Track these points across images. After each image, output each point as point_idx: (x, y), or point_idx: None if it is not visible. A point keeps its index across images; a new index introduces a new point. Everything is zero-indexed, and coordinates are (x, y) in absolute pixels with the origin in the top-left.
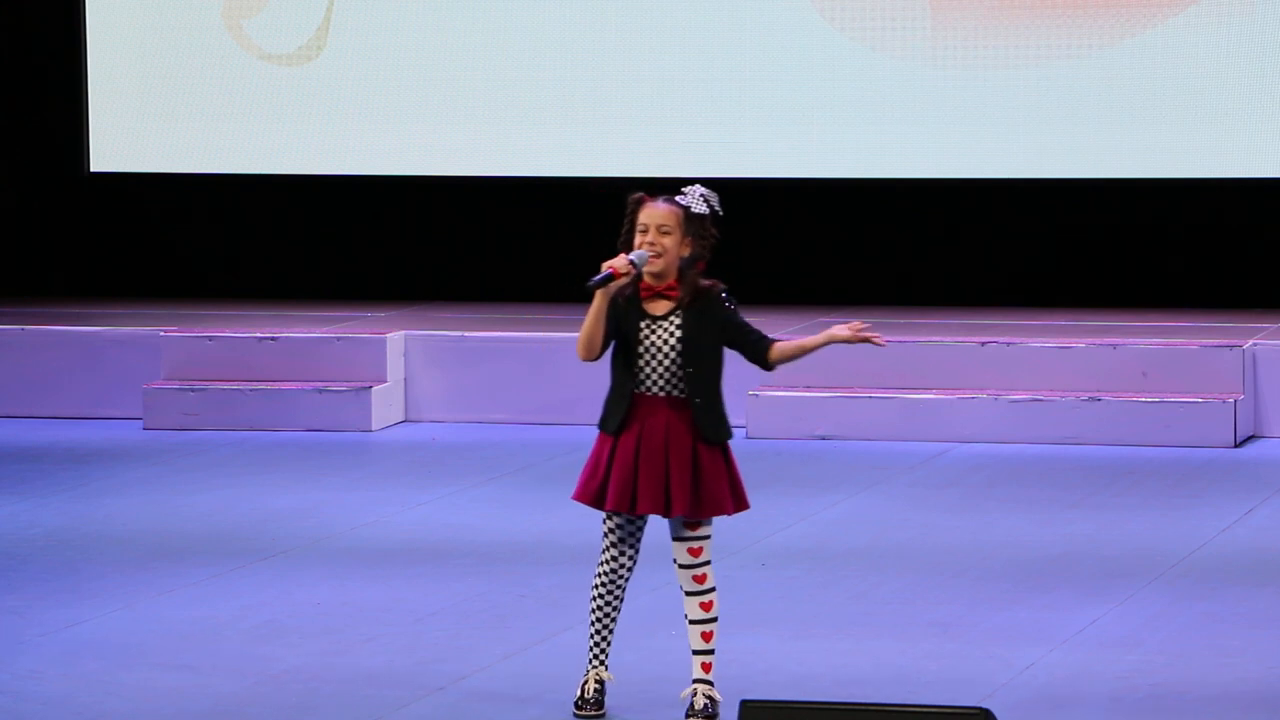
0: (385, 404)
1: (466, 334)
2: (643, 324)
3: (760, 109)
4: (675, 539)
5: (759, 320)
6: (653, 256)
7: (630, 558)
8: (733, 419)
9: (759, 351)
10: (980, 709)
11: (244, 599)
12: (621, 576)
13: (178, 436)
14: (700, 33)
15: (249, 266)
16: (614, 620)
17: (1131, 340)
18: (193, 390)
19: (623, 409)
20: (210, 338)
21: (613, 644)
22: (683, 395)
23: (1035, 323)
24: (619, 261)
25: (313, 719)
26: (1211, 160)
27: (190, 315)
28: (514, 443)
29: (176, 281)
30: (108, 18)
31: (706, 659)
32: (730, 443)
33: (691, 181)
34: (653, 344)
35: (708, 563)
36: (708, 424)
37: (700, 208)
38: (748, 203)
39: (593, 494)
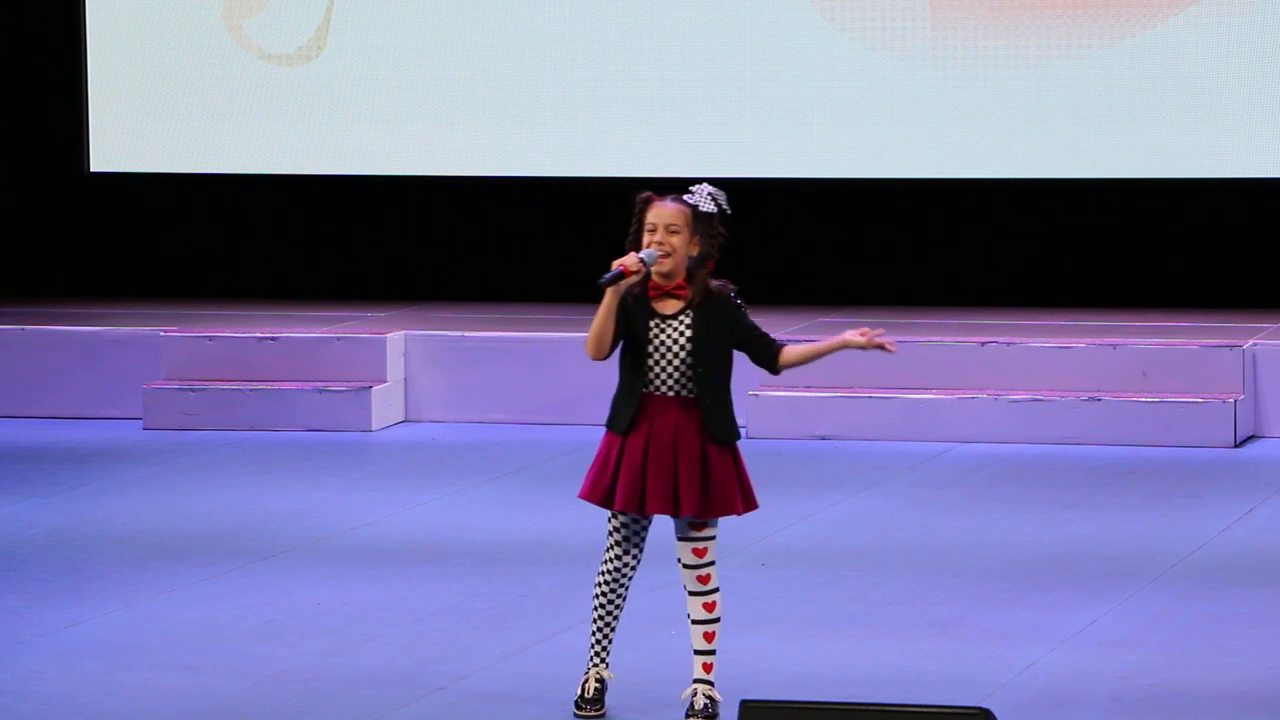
0: (385, 404)
1: (466, 334)
2: (652, 323)
3: (760, 109)
4: (681, 539)
5: (759, 320)
6: (662, 256)
7: (635, 557)
8: None
9: (769, 355)
10: (980, 709)
11: (244, 599)
12: (625, 576)
13: (178, 436)
14: (700, 33)
15: (249, 266)
16: (616, 619)
17: (1131, 340)
18: (193, 390)
19: (632, 408)
20: (210, 338)
21: (613, 643)
22: (692, 395)
23: (1035, 323)
24: (630, 259)
25: (313, 719)
26: (1211, 160)
27: (190, 315)
28: (514, 443)
29: (176, 281)
30: (108, 18)
31: (708, 659)
32: (738, 443)
33: (692, 181)
34: (662, 343)
35: (712, 563)
36: (717, 424)
37: (708, 206)
38: (748, 203)
39: (601, 493)
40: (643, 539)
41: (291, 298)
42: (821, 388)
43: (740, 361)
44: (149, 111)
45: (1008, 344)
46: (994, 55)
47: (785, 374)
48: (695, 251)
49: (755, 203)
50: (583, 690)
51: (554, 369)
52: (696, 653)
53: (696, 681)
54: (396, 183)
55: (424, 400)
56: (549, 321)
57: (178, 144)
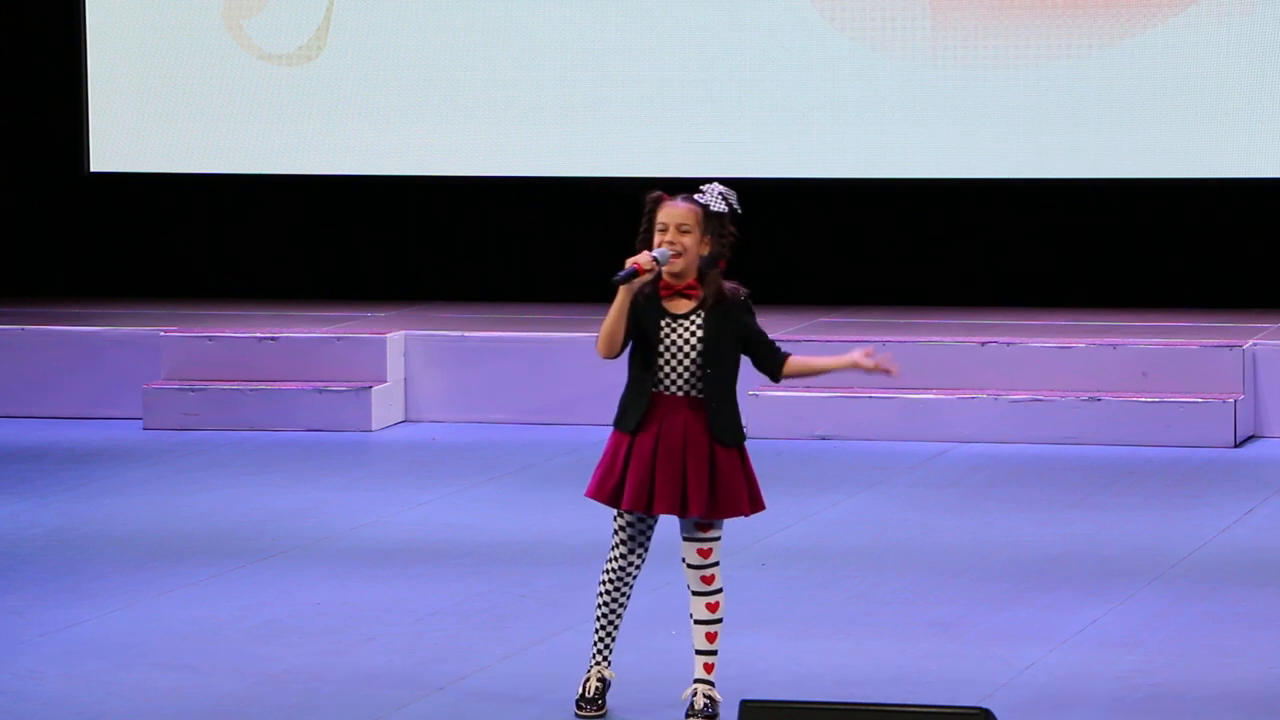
0: (385, 404)
1: (466, 334)
2: (663, 322)
3: (760, 109)
4: (686, 539)
5: (760, 319)
6: (673, 255)
7: (640, 557)
8: None
9: (773, 363)
10: (980, 709)
11: (244, 599)
12: (630, 575)
13: (178, 436)
14: (700, 33)
15: (249, 266)
16: (619, 619)
17: (1131, 340)
18: (193, 390)
19: (641, 408)
20: (210, 338)
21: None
22: (701, 396)
23: (1035, 323)
24: (643, 258)
25: (313, 719)
26: (1211, 160)
27: (190, 315)
28: (514, 443)
29: (176, 281)
30: (108, 18)
31: (709, 659)
32: (746, 444)
33: (692, 180)
34: (673, 343)
35: (716, 564)
36: (723, 426)
37: (719, 206)
38: (748, 203)
39: (608, 493)
40: (648, 538)
41: (291, 298)
42: (821, 388)
43: (742, 363)
44: (149, 111)
45: (1008, 344)
46: (994, 55)
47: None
48: (706, 251)
49: (755, 203)
50: (584, 689)
51: (554, 369)
52: (698, 653)
53: (697, 681)
54: (396, 183)
55: (424, 400)
56: (549, 321)
57: (178, 144)
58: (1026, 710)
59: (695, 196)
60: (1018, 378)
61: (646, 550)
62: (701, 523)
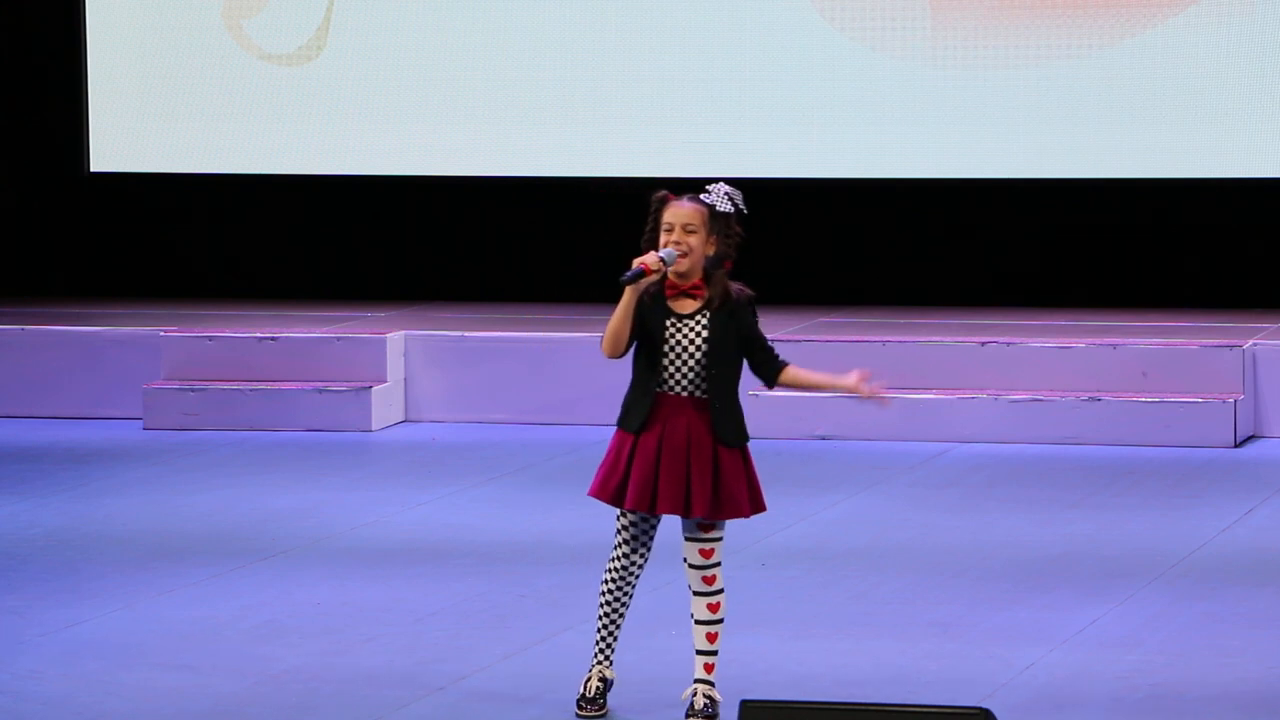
0: (385, 404)
1: (466, 334)
2: (668, 322)
3: (760, 109)
4: (688, 539)
5: (761, 319)
6: (679, 256)
7: (642, 556)
8: None
9: (770, 369)
10: (980, 709)
11: (244, 599)
12: (632, 575)
13: (178, 436)
14: (700, 33)
15: (249, 266)
16: (621, 618)
17: (1131, 340)
18: (193, 390)
19: (645, 408)
20: (210, 338)
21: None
22: (705, 396)
23: (1035, 323)
24: (650, 258)
25: (313, 719)
26: (1211, 160)
27: (190, 315)
28: (514, 443)
29: (176, 281)
30: (108, 18)
31: (709, 659)
32: (749, 445)
33: (692, 181)
34: (678, 343)
35: (718, 564)
36: (726, 427)
37: (725, 206)
38: (748, 203)
39: (611, 492)
40: (651, 538)
41: (291, 298)
42: None
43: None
44: (149, 111)
45: (1008, 344)
46: (994, 55)
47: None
48: (712, 251)
49: (755, 203)
50: (585, 689)
51: (554, 369)
52: (698, 653)
53: (697, 681)
54: (396, 183)
55: (424, 400)
56: (549, 321)
57: (178, 144)
58: (1026, 710)
59: (701, 196)
60: (1018, 378)
61: (649, 550)
62: (703, 523)
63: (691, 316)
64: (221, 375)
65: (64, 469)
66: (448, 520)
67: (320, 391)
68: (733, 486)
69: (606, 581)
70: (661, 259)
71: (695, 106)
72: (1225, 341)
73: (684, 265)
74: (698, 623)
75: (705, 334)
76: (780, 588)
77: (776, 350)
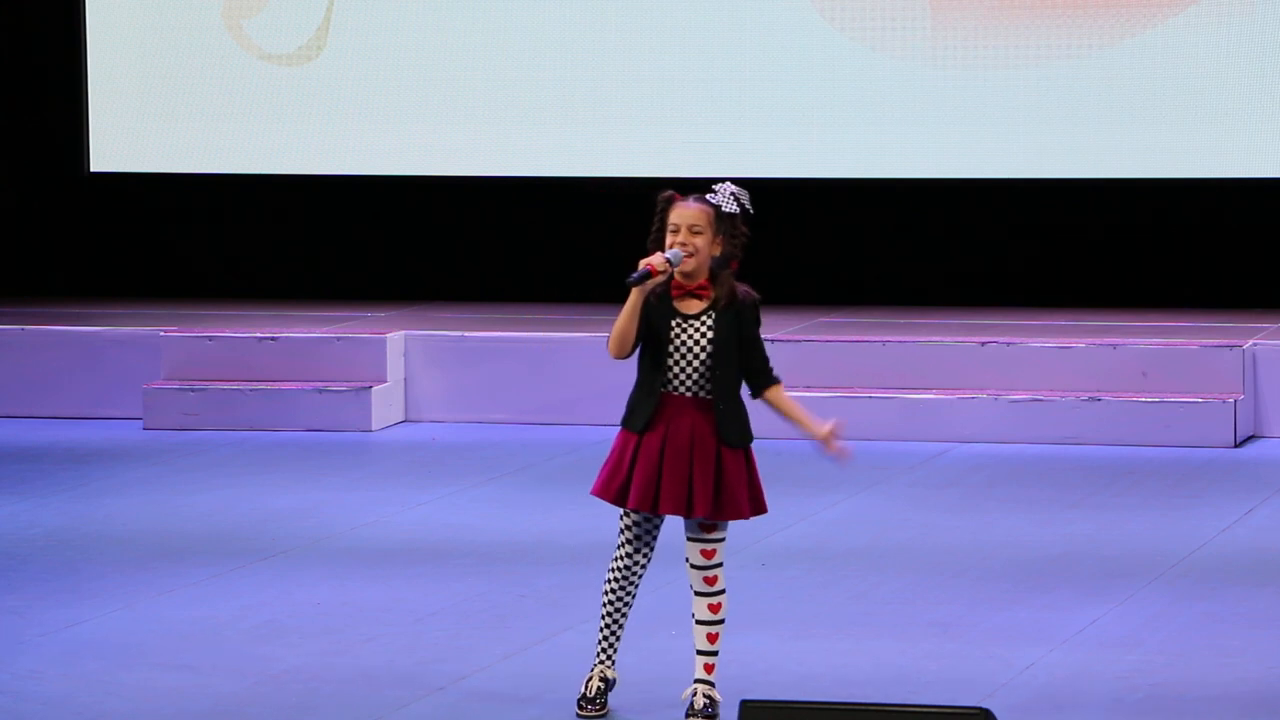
0: (385, 404)
1: (466, 334)
2: (674, 323)
3: (760, 109)
4: (690, 539)
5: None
6: (686, 256)
7: (645, 556)
8: None
9: (759, 380)
10: (980, 709)
11: (244, 599)
12: (635, 575)
13: (178, 436)
14: (700, 33)
15: (249, 266)
16: (624, 618)
17: (1131, 340)
18: (193, 390)
19: (650, 408)
20: (210, 338)
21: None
22: (709, 396)
23: (1035, 323)
24: (657, 259)
25: (313, 719)
26: (1211, 160)
27: (190, 315)
28: (514, 443)
29: (176, 281)
30: (108, 18)
31: (710, 660)
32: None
33: (692, 181)
34: (683, 343)
35: (720, 565)
36: (730, 428)
37: (731, 206)
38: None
39: (615, 492)
40: (654, 538)
41: (291, 298)
42: (821, 388)
43: None
44: (149, 111)
45: (1008, 344)
46: (994, 55)
47: (786, 375)
48: (718, 252)
49: (755, 203)
50: (586, 688)
51: (554, 369)
52: (699, 653)
53: (697, 681)
54: (396, 183)
55: (424, 400)
56: (549, 321)
57: (178, 144)
58: (1026, 710)
59: (707, 197)
60: (1018, 378)
61: (652, 550)
62: (705, 523)
63: (697, 317)
64: (221, 375)
65: (64, 469)
66: (448, 520)
67: (320, 391)
68: (734, 487)
69: (609, 581)
70: (668, 260)
71: (695, 106)
72: (1225, 341)
73: (690, 265)
74: (699, 623)
75: (710, 335)
76: (780, 588)
77: (773, 363)
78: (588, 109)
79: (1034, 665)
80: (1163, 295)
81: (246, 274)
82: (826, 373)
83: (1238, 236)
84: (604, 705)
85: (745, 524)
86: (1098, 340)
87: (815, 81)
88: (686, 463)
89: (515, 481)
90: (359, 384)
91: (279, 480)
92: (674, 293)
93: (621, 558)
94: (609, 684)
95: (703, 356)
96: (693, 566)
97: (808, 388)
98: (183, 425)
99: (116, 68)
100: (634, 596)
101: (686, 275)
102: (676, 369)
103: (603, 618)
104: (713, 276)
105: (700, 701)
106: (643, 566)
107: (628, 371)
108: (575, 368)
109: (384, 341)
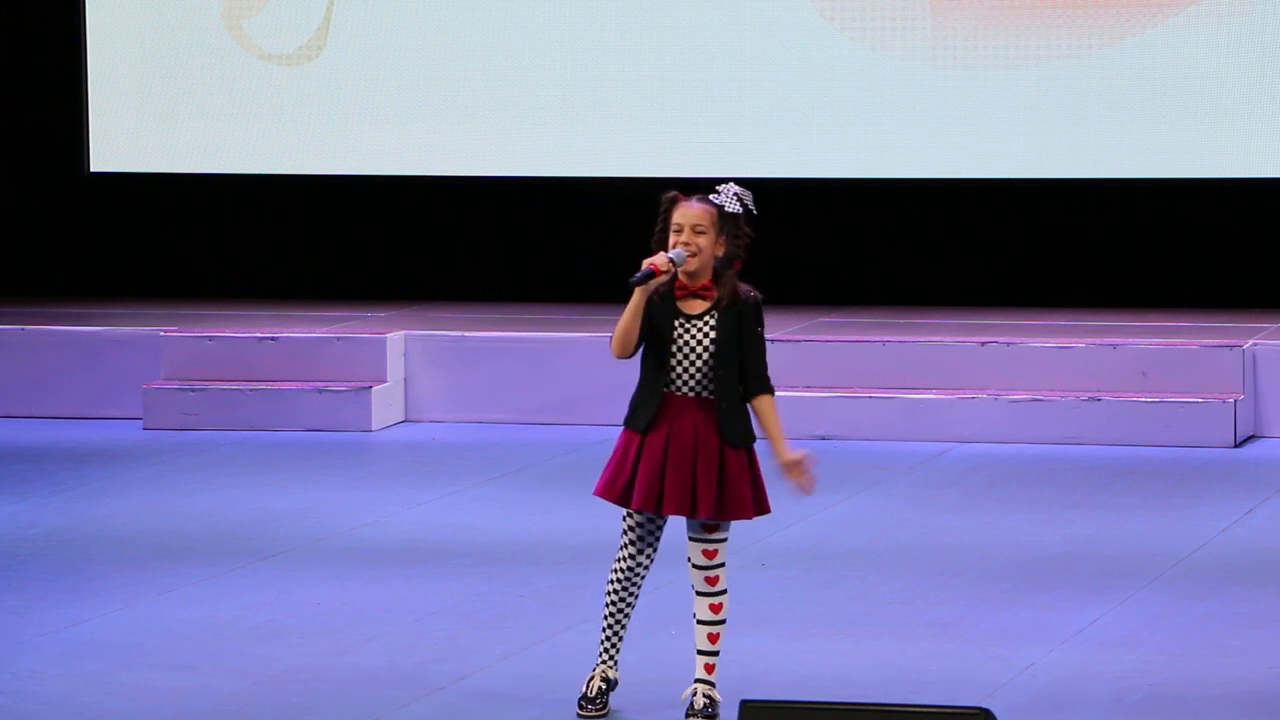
0: (385, 404)
1: (466, 334)
2: (677, 323)
3: (760, 109)
4: (692, 539)
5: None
6: (689, 256)
7: (649, 557)
8: None
9: (750, 388)
10: (980, 709)
11: (244, 599)
12: (639, 575)
13: (178, 436)
14: (700, 33)
15: (249, 266)
16: (627, 619)
17: (1131, 340)
18: (193, 390)
19: (653, 408)
20: (210, 338)
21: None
22: (711, 397)
23: (1035, 323)
24: (660, 259)
25: (313, 719)
26: (1211, 160)
27: (190, 315)
28: (514, 443)
29: (176, 281)
30: (108, 18)
31: (710, 660)
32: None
33: (692, 181)
34: (686, 343)
35: (721, 565)
36: (733, 428)
37: (734, 207)
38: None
39: (618, 492)
40: (657, 538)
41: (291, 298)
42: (821, 388)
43: None
44: (149, 111)
45: (1008, 344)
46: (994, 55)
47: (786, 374)
48: (721, 252)
49: (755, 203)
50: (587, 688)
51: (554, 369)
52: (700, 653)
53: (698, 681)
54: (396, 183)
55: (424, 400)
56: (549, 321)
57: (178, 144)
58: (1026, 710)
59: (711, 197)
60: (1018, 378)
61: (656, 550)
62: (708, 524)
63: (700, 317)
64: (221, 375)
65: (64, 469)
66: (448, 520)
67: (320, 391)
68: (738, 487)
69: (612, 582)
70: (671, 259)
71: (695, 106)
72: (1225, 341)
73: (693, 265)
74: (700, 623)
75: (713, 335)
76: (780, 588)
77: (773, 363)
78: (588, 109)
79: (1034, 665)
80: (1163, 295)
81: (246, 274)
82: (826, 373)
83: (1238, 236)
84: (604, 705)
85: (745, 524)
86: (1098, 340)
87: (815, 81)
88: (690, 463)
89: (515, 481)
90: (359, 384)
91: (279, 480)
92: (678, 293)
93: (625, 559)
94: (610, 684)
95: (705, 357)
96: (695, 566)
97: (808, 388)
98: (183, 425)
99: (116, 68)
100: (636, 598)
101: (690, 276)
102: (679, 369)
103: (605, 618)
104: (716, 277)
105: (700, 701)
106: (646, 568)
107: (628, 371)
108: (575, 368)
109: (384, 341)
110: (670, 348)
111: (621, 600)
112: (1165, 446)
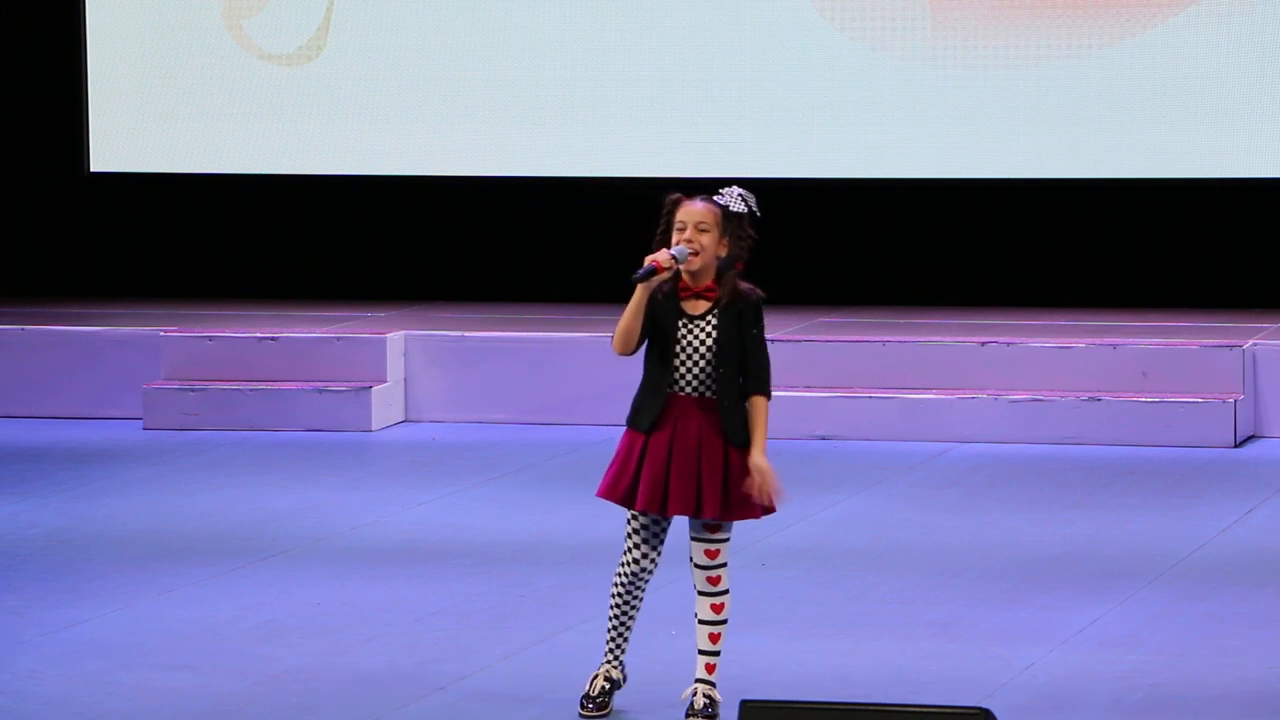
0: (385, 404)
1: (466, 334)
2: (680, 323)
3: (760, 109)
4: (694, 538)
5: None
6: (691, 254)
7: (654, 559)
8: None
9: (752, 386)
10: (980, 709)
11: (244, 599)
12: (644, 577)
13: (178, 436)
14: (700, 33)
15: (249, 266)
16: (632, 620)
17: (1131, 340)
18: (193, 390)
19: (656, 408)
20: (210, 338)
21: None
22: (713, 396)
23: (1035, 323)
24: (661, 255)
25: (313, 719)
26: (1211, 160)
27: (190, 315)
28: (514, 443)
29: (176, 281)
30: (108, 18)
31: (711, 660)
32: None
33: (692, 181)
34: (689, 343)
35: (724, 565)
36: (735, 427)
37: (738, 207)
38: None
39: (622, 493)
40: (662, 539)
41: (291, 298)
42: (821, 388)
43: None
44: (149, 111)
45: (1008, 344)
46: (994, 55)
47: (785, 374)
48: (724, 252)
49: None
50: (589, 687)
51: (554, 369)
52: (701, 652)
53: (698, 681)
54: (396, 183)
55: (424, 400)
56: (549, 321)
57: (178, 144)
58: (1026, 710)
59: (714, 198)
60: (1018, 378)
61: (661, 551)
62: (711, 524)
63: (702, 317)
64: (221, 375)
65: (64, 469)
66: (448, 520)
67: (320, 391)
68: (741, 487)
69: (617, 583)
70: (673, 256)
71: (695, 106)
72: (1225, 341)
73: (696, 264)
74: (701, 622)
75: (714, 335)
76: (780, 588)
77: (773, 364)
78: (588, 109)
79: (1034, 665)
80: (1163, 295)
81: (246, 274)
82: (826, 373)
83: (1238, 236)
84: (606, 705)
85: (746, 524)
86: (1098, 340)
87: (815, 81)
88: (694, 463)
89: (515, 481)
90: (359, 384)
91: (279, 480)
92: (682, 294)
93: (630, 561)
94: (614, 684)
95: (707, 356)
96: (697, 566)
97: (808, 388)
98: (183, 425)
99: (116, 68)
100: (641, 599)
101: (694, 276)
102: (682, 369)
103: (610, 620)
104: (719, 277)
105: (700, 701)
106: (651, 570)
107: (628, 371)
108: (575, 368)
109: (384, 341)
110: (674, 348)
111: (626, 603)
112: (1165, 446)
